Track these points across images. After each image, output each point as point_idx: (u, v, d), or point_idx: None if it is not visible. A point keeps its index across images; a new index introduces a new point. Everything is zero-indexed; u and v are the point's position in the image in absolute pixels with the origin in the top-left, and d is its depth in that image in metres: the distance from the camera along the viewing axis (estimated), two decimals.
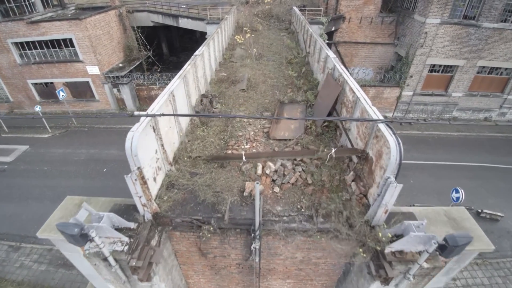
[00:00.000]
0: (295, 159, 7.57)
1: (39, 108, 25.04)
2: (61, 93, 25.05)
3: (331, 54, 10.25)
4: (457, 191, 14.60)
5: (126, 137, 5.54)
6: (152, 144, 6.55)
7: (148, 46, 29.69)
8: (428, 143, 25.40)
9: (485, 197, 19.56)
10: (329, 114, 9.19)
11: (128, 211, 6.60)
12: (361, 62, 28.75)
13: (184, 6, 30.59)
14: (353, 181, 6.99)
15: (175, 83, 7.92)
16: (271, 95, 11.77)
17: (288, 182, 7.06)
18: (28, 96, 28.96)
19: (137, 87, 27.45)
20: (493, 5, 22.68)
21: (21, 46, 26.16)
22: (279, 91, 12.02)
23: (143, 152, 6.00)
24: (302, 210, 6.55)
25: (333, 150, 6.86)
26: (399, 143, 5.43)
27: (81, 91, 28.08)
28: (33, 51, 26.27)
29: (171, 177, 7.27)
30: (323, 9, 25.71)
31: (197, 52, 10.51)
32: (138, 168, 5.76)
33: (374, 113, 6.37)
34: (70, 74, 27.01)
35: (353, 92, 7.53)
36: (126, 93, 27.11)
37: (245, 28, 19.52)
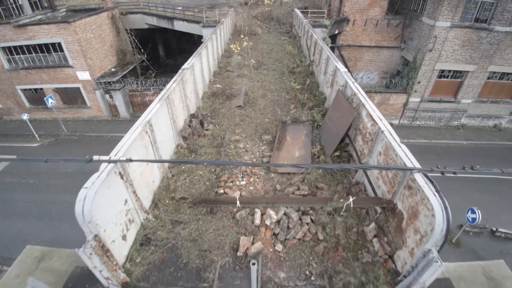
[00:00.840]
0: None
1: (27, 116, 23.54)
2: (50, 100, 23.57)
3: (341, 67, 8.77)
4: (473, 211, 13.43)
5: (77, 197, 4.10)
6: (120, 195, 5.09)
7: (142, 50, 28.12)
8: (438, 153, 23.93)
9: (499, 213, 18.13)
10: (341, 141, 7.69)
11: (93, 276, 5.12)
12: (365, 67, 27.24)
13: (180, 8, 29.07)
14: (375, 236, 5.51)
15: (154, 108, 6.45)
16: (272, 113, 10.29)
17: (294, 238, 5.58)
18: (18, 102, 27.45)
19: (130, 93, 25.93)
20: (506, 8, 21.18)
21: (8, 50, 24.63)
22: (280, 108, 10.54)
23: (105, 211, 4.55)
24: (312, 278, 5.08)
25: (351, 199, 5.38)
26: (446, 207, 3.97)
27: (71, 97, 26.57)
28: (21, 56, 24.75)
29: (148, 229, 5.80)
30: (326, 11, 24.18)
31: (185, 66, 9.02)
32: (96, 236, 4.29)
33: (406, 155, 4.89)
34: (60, 79, 25.49)
35: (373, 120, 6.04)
36: (118, 100, 25.61)
37: (243, 36, 17.93)
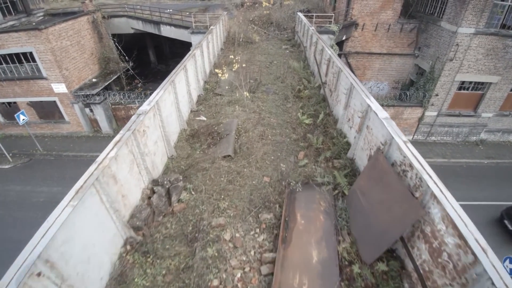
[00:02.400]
0: None
1: None
2: (22, 117, 20.43)
3: (377, 107, 5.76)
4: (511, 261, 10.66)
5: None
6: None
7: (126, 57, 24.91)
8: (458, 174, 20.91)
9: None
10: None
11: None
12: (375, 76, 24.12)
13: (170, 10, 25.83)
14: None
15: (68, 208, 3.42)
16: (274, 166, 7.18)
17: None
18: None
19: (113, 106, 22.75)
20: None
21: None
22: (285, 157, 7.45)
23: None
24: None
25: None
26: None
27: (48, 111, 23.39)
28: None
29: None
30: (333, 16, 20.97)
31: (144, 107, 5.92)
32: None
33: None
34: (34, 92, 22.30)
35: (459, 235, 2.98)
36: (99, 114, 22.45)
37: (233, 54, 14.51)
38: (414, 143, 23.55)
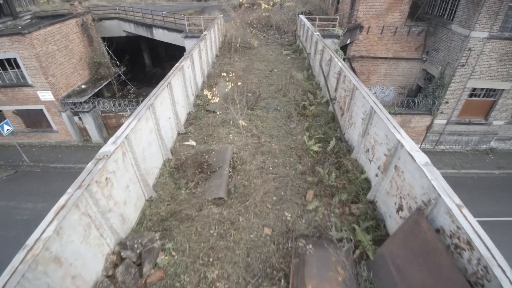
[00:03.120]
0: None
1: None
2: (6, 127, 18.98)
3: (411, 146, 4.42)
4: None
5: None
6: None
7: (117, 62, 23.43)
8: (468, 186, 19.57)
9: None
10: None
11: None
12: (380, 81, 22.71)
13: (164, 12, 24.32)
14: None
15: None
16: (276, 213, 5.76)
17: None
18: None
19: (103, 114, 21.30)
20: None
21: None
22: (290, 197, 6.05)
23: None
24: None
25: None
26: None
27: (35, 120, 21.92)
28: None
29: None
30: (339, 19, 19.52)
31: (106, 149, 4.55)
32: None
33: None
34: (20, 100, 20.84)
35: None
36: (89, 123, 21.00)
37: (226, 74, 12.97)
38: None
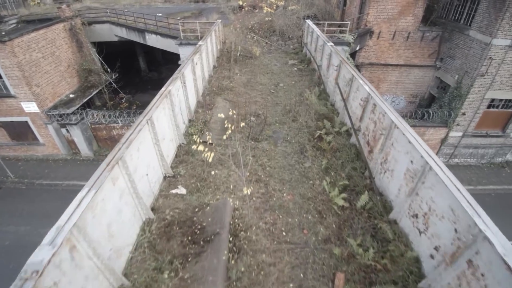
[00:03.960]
0: None
1: None
2: None
3: (502, 241, 2.68)
4: None
5: None
6: None
7: (108, 69, 21.69)
8: (486, 204, 17.63)
9: None
10: None
11: None
12: (390, 89, 21.05)
13: (160, 14, 22.55)
14: None
15: None
16: None
17: None
18: None
19: (93, 126, 19.58)
20: None
21: None
22: (314, 282, 4.51)
23: None
24: None
25: None
26: None
27: (20, 132, 20.20)
28: None
29: None
30: (350, 24, 17.79)
31: (36, 259, 2.82)
32: None
33: None
34: (3, 112, 19.14)
35: None
36: (77, 135, 19.31)
37: (220, 95, 11.15)
38: None
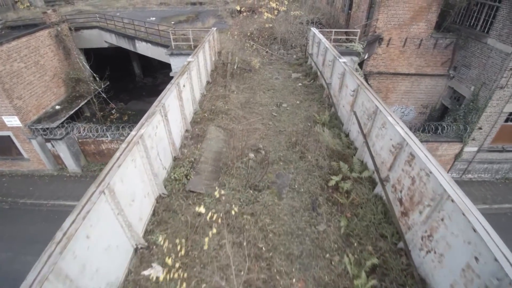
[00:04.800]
0: None
1: None
2: None
3: None
4: None
5: None
6: None
7: (97, 78, 20.05)
8: (504, 228, 16.43)
9: None
10: None
11: None
12: (399, 99, 19.45)
13: (153, 18, 20.87)
14: None
15: None
16: None
17: None
18: None
19: (80, 140, 17.97)
20: None
21: None
22: None
23: None
24: None
25: None
26: None
27: (3, 147, 18.65)
28: None
29: None
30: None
31: None
32: None
33: None
34: None
35: None
36: (62, 151, 17.74)
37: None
38: None
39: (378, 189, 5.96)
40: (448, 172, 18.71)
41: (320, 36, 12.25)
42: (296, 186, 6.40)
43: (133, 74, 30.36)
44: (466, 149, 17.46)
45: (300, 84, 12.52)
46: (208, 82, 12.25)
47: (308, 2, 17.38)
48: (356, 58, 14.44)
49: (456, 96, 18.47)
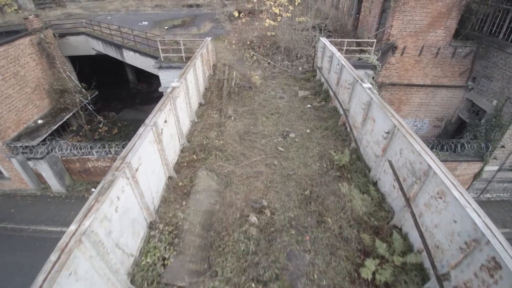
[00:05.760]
0: None
1: None
2: None
3: None
4: None
5: None
6: None
7: (84, 90, 18.12)
8: None
9: None
10: None
11: None
12: (413, 112, 17.58)
13: (146, 23, 18.86)
14: None
15: None
16: None
17: None
18: None
19: (64, 158, 16.07)
20: None
21: None
22: None
23: None
24: None
25: None
26: None
27: None
28: None
29: None
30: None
31: None
32: None
33: None
34: None
35: None
36: (45, 170, 15.91)
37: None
38: None
39: (432, 286, 4.10)
40: None
41: (333, 49, 10.26)
42: (315, 276, 4.51)
43: (127, 80, 28.36)
44: (487, 168, 15.62)
45: (309, 105, 10.57)
46: (200, 105, 10.31)
47: (314, 7, 15.33)
48: (371, 72, 12.53)
49: (475, 110, 16.59)
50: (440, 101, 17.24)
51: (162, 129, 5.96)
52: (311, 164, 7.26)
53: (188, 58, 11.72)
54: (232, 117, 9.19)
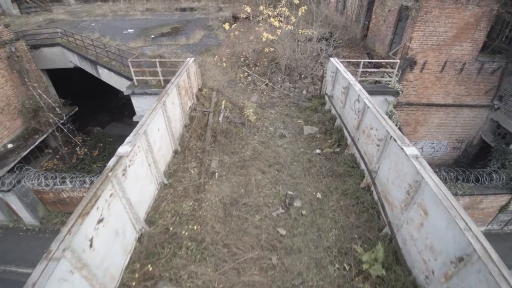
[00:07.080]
0: None
1: None
2: None
3: None
4: None
5: None
6: None
7: (61, 106, 15.87)
8: None
9: None
10: None
11: None
12: (430, 133, 15.33)
13: (131, 31, 16.47)
14: None
15: None
16: None
17: None
18: None
19: (35, 189, 13.89)
20: None
21: None
22: None
23: None
24: None
25: None
26: None
27: None
28: None
29: None
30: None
31: None
32: None
33: None
34: None
35: None
36: (14, 202, 13.83)
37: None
38: (487, 235, 14.99)
39: None
40: (488, 225, 14.69)
41: (349, 76, 7.72)
42: None
43: (116, 90, 25.96)
44: None
45: (318, 151, 8.08)
46: (176, 153, 7.81)
47: (320, 18, 12.83)
48: (392, 99, 10.19)
49: (502, 132, 14.30)
50: (462, 121, 14.94)
51: (92, 238, 3.61)
52: (327, 264, 4.85)
53: (166, 81, 9.31)
54: (217, 174, 6.78)
